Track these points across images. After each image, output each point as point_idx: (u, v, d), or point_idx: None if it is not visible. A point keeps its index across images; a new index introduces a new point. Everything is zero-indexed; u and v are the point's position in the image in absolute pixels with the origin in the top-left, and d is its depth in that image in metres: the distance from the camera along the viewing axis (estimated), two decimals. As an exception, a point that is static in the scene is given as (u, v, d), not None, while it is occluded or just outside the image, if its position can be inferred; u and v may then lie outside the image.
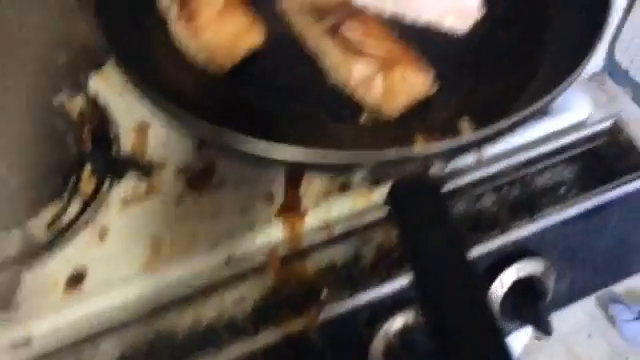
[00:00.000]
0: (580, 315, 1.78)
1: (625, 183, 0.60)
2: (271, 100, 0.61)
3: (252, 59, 0.62)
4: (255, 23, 0.62)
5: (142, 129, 0.63)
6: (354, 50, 0.60)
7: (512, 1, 0.68)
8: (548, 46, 0.65)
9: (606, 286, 0.64)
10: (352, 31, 0.61)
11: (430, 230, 0.41)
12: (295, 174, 0.58)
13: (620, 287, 1.81)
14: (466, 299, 0.39)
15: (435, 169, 0.54)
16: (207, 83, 0.61)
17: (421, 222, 0.43)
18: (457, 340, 0.37)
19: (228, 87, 0.62)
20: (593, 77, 0.69)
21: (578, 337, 1.75)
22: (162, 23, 0.62)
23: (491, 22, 0.67)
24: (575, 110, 0.63)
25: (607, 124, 0.62)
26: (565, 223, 0.58)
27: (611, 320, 1.76)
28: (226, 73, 0.61)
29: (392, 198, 0.46)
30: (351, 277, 0.53)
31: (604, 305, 1.77)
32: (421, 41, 0.66)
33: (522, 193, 0.59)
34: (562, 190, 0.59)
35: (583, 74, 0.57)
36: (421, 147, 0.51)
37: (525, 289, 0.57)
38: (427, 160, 0.54)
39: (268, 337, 0.50)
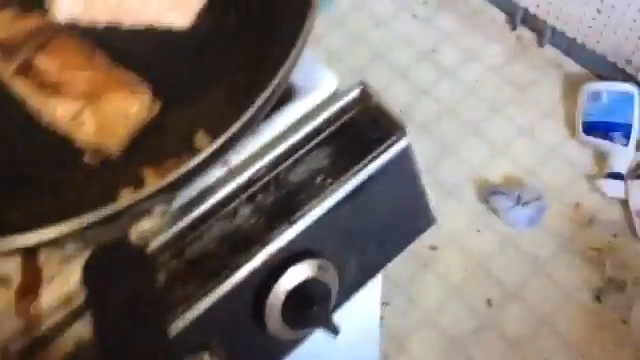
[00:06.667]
0: (465, 214, 1.83)
1: (382, 152, 0.57)
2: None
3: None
4: None
5: None
6: (52, 88, 0.52)
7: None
8: (278, 26, 0.60)
9: (400, 252, 0.62)
10: (46, 66, 0.53)
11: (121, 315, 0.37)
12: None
13: (495, 176, 1.86)
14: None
15: (160, 209, 0.49)
16: None
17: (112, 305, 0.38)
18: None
19: None
20: None
21: (468, 235, 1.81)
22: None
23: (214, 11, 0.61)
24: (321, 86, 0.59)
25: (355, 93, 0.58)
26: (330, 214, 0.55)
27: (495, 212, 1.81)
28: None
29: (85, 276, 0.41)
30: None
31: (485, 199, 1.82)
32: (143, 47, 0.60)
33: (278, 195, 0.55)
34: (319, 180, 0.55)
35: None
36: (131, 196, 0.46)
37: (304, 294, 0.54)
38: (154, 202, 0.49)
39: None
